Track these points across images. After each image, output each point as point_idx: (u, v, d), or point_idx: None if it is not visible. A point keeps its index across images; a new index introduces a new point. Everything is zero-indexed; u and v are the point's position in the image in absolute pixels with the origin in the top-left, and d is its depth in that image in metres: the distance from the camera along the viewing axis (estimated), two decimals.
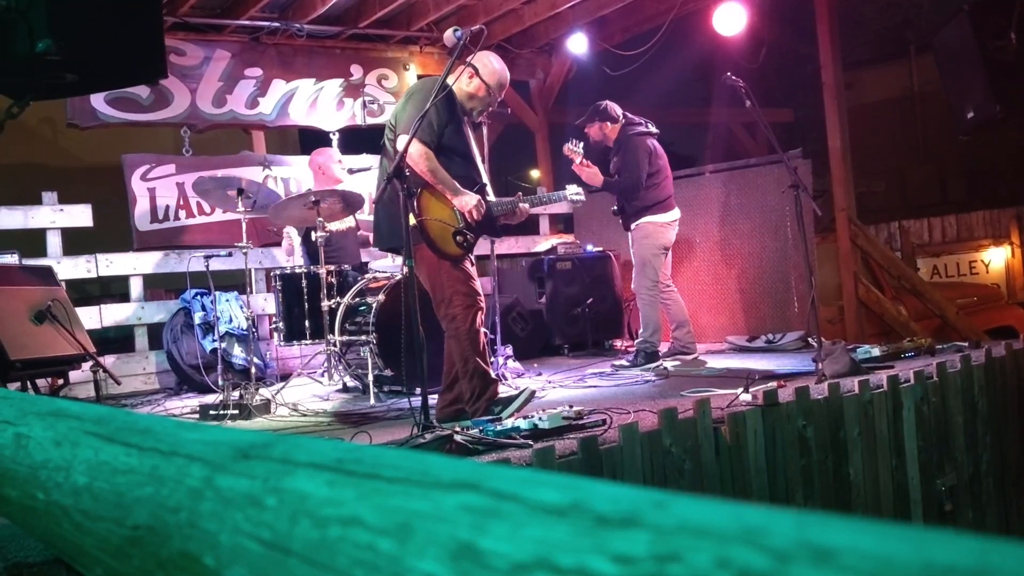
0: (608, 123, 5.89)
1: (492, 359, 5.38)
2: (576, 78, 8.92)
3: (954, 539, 0.37)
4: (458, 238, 3.81)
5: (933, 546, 0.37)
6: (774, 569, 0.39)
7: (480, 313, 3.91)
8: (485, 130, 5.58)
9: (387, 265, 6.69)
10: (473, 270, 3.99)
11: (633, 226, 5.86)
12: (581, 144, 5.80)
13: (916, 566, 0.36)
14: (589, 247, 7.38)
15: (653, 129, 5.88)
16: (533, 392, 4.09)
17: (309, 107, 7.36)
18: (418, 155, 3.81)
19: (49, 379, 5.21)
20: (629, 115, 5.93)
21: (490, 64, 4.15)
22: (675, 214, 5.81)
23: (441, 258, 3.84)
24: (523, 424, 3.34)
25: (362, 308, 5.25)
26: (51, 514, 1.08)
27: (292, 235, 5.88)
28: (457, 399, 3.99)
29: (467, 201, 3.88)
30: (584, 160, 5.79)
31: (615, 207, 6.04)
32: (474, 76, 4.09)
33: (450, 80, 4.08)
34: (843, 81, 7.00)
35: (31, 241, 6.10)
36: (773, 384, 4.09)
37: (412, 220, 3.71)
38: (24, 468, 1.19)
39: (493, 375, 4.00)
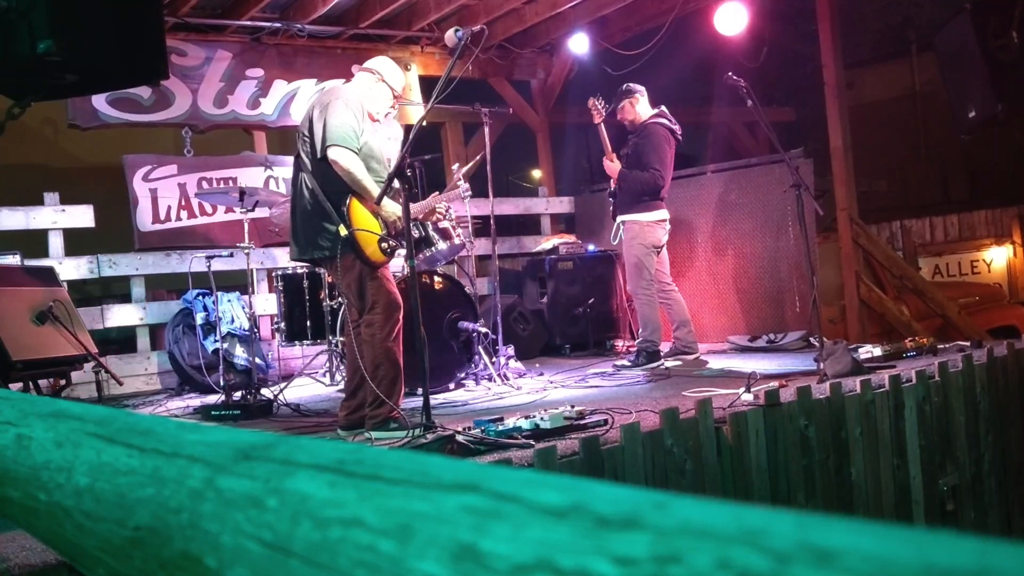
0: (637, 96, 5.87)
1: (494, 359, 5.39)
2: (577, 78, 8.92)
3: (954, 540, 0.37)
4: (383, 245, 3.82)
5: (933, 547, 0.37)
6: (774, 570, 0.39)
7: (398, 325, 3.87)
8: (487, 130, 5.59)
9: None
10: (392, 277, 3.99)
11: (620, 220, 5.85)
12: (603, 102, 5.80)
13: (916, 567, 0.36)
14: (590, 247, 7.37)
15: (675, 126, 5.85)
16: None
17: None
18: (350, 163, 3.81)
19: (51, 380, 5.22)
20: (663, 108, 5.92)
21: (391, 67, 4.22)
22: (662, 214, 5.79)
23: (366, 265, 3.82)
24: (525, 424, 3.34)
25: None
26: (53, 515, 1.09)
27: None
28: (360, 406, 3.91)
29: (394, 210, 3.88)
30: (609, 151, 5.81)
31: (611, 190, 6.02)
32: (381, 80, 4.16)
33: (355, 87, 4.12)
34: (844, 80, 6.99)
35: (33, 242, 6.10)
36: (775, 384, 4.09)
37: (343, 231, 3.73)
38: (26, 469, 1.19)
39: (400, 390, 3.92)
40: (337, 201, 3.82)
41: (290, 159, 7.29)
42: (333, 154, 3.80)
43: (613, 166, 5.85)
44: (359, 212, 3.82)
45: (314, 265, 5.01)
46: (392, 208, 3.87)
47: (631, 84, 5.94)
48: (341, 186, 3.83)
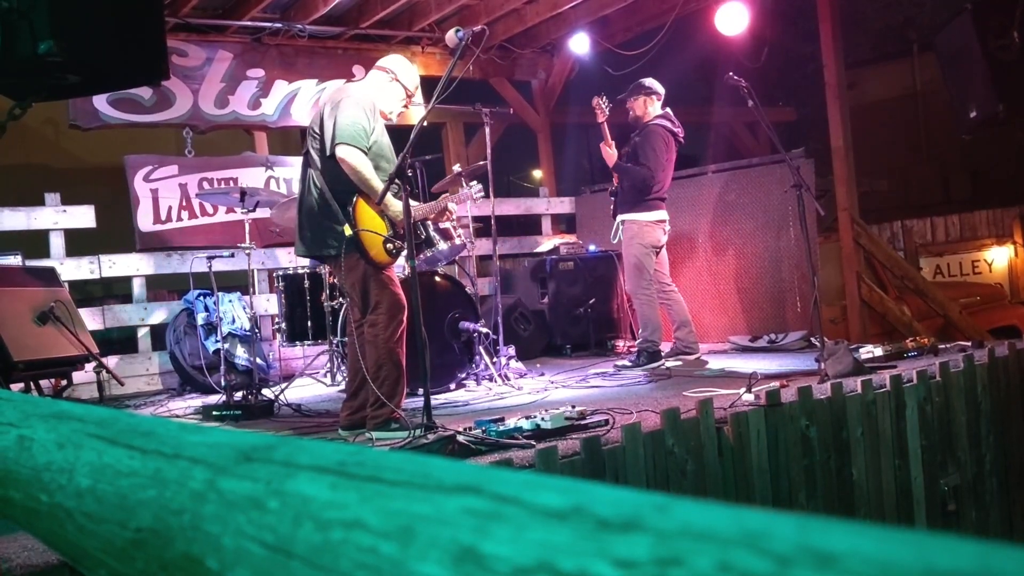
0: (653, 96, 5.88)
1: (494, 359, 5.39)
2: (578, 78, 8.92)
3: (956, 543, 0.37)
4: (388, 246, 3.81)
5: (935, 550, 0.37)
6: (775, 573, 0.39)
7: (402, 327, 3.86)
8: (487, 130, 5.59)
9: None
10: (396, 278, 3.98)
11: (619, 219, 5.86)
12: (607, 101, 5.81)
13: (917, 570, 0.36)
14: (591, 247, 7.37)
15: (677, 128, 5.85)
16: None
17: (311, 108, 7.37)
18: (358, 162, 3.80)
19: (52, 380, 5.22)
20: (668, 111, 5.93)
21: (405, 66, 4.20)
22: (661, 215, 5.79)
23: (370, 265, 3.81)
24: (526, 424, 3.34)
25: None
26: (54, 516, 1.09)
27: None
28: (361, 406, 3.91)
29: (400, 209, 3.85)
30: (608, 139, 5.82)
31: (612, 189, 6.02)
32: (394, 79, 4.13)
33: (367, 86, 4.11)
34: (845, 80, 6.99)
35: (34, 242, 6.10)
36: (776, 384, 4.09)
37: (348, 231, 3.72)
38: (27, 470, 1.19)
39: (402, 391, 3.92)
40: (344, 200, 3.81)
41: (291, 159, 7.32)
42: (341, 152, 3.78)
43: (611, 152, 5.84)
44: (365, 212, 3.81)
45: (319, 262, 4.99)
46: (398, 207, 3.86)
47: (653, 83, 5.92)
48: (349, 185, 3.82)
